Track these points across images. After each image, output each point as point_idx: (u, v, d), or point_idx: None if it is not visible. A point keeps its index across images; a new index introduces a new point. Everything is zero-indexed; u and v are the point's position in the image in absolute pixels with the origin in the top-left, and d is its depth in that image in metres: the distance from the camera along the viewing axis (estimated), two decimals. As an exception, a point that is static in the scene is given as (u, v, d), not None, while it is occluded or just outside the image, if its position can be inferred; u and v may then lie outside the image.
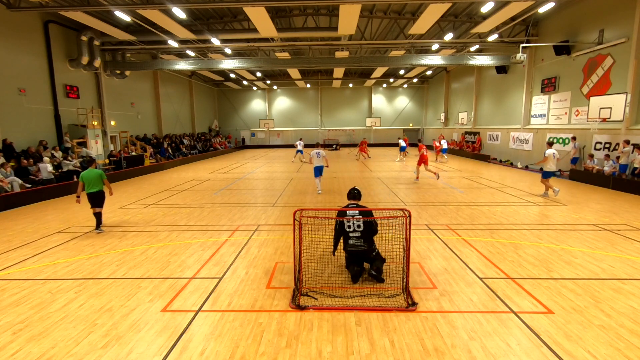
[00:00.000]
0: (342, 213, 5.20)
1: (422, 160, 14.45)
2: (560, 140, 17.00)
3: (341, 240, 5.33)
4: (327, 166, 12.38)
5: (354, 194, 5.60)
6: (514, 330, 3.91)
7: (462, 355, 3.50)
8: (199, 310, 4.43)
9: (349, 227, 5.13)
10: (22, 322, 4.22)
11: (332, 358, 3.49)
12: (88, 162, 8.02)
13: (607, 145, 14.19)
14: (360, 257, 5.23)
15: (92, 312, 4.42)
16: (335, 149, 35.27)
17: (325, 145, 37.53)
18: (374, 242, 5.31)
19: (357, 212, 5.17)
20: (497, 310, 4.33)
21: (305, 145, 25.48)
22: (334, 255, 5.64)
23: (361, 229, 5.10)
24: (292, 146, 38.29)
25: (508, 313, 4.27)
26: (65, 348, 3.69)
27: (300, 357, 3.51)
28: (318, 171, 12.13)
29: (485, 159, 23.06)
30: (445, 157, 23.16)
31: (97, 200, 7.89)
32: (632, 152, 12.49)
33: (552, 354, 3.51)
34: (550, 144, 11.15)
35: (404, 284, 4.72)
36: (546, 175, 11.10)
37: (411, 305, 4.40)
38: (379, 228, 5.32)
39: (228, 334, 3.92)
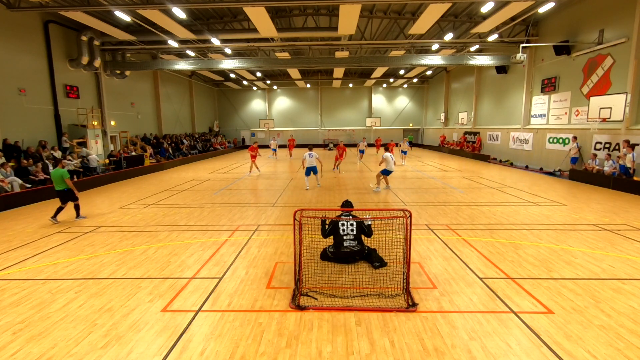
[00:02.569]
0: (334, 220, 5.70)
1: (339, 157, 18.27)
2: (561, 140, 17.02)
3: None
4: (321, 166, 13.32)
5: (347, 204, 6.24)
6: (514, 330, 3.91)
7: (462, 355, 3.50)
8: (199, 310, 4.43)
9: (344, 230, 5.56)
10: (22, 322, 4.22)
11: (332, 358, 3.49)
12: (57, 161, 9.41)
13: (607, 145, 14.19)
14: (353, 257, 5.65)
15: (92, 312, 4.42)
16: (330, 149, 35.23)
17: (323, 145, 37.50)
18: (364, 242, 5.77)
19: (350, 216, 5.74)
20: (497, 310, 4.33)
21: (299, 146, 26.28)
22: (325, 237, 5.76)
23: (354, 232, 5.58)
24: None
25: (508, 313, 4.27)
26: (65, 348, 3.69)
27: (300, 357, 3.51)
28: (310, 171, 12.90)
29: (485, 159, 23.07)
30: (403, 162, 21.67)
31: (64, 197, 8.79)
32: (629, 152, 12.49)
33: (552, 354, 3.51)
34: (386, 149, 12.46)
35: (404, 284, 4.72)
36: (385, 172, 12.38)
37: (411, 305, 4.40)
38: (377, 229, 5.66)
39: (228, 334, 3.92)
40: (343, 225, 5.55)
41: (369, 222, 5.76)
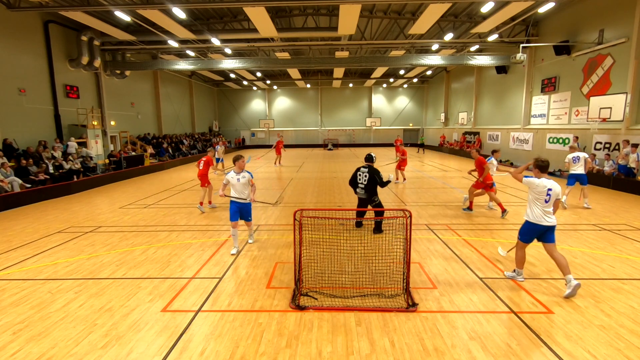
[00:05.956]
0: (357, 169, 7.48)
1: None
2: (561, 140, 17.02)
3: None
4: (253, 200, 6.56)
5: (368, 157, 7.51)
6: (514, 330, 3.91)
7: (462, 355, 3.50)
8: (199, 310, 4.43)
9: (360, 178, 7.32)
10: (22, 322, 4.21)
11: (332, 358, 3.49)
12: None
13: (607, 145, 14.19)
14: (363, 202, 7.44)
15: (92, 312, 4.42)
16: (330, 149, 35.20)
17: (323, 146, 37.31)
18: (375, 194, 7.34)
19: (367, 169, 7.29)
20: (497, 310, 4.33)
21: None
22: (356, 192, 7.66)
23: (366, 182, 7.24)
24: (291, 147, 38.25)
25: (508, 313, 4.27)
26: (65, 348, 3.69)
27: (300, 357, 3.51)
28: (237, 210, 6.35)
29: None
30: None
31: None
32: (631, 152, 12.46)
33: (552, 354, 3.51)
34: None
35: (404, 284, 4.71)
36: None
37: (411, 306, 4.40)
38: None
39: (228, 334, 3.92)
40: (360, 175, 7.32)
41: (389, 179, 7.24)
